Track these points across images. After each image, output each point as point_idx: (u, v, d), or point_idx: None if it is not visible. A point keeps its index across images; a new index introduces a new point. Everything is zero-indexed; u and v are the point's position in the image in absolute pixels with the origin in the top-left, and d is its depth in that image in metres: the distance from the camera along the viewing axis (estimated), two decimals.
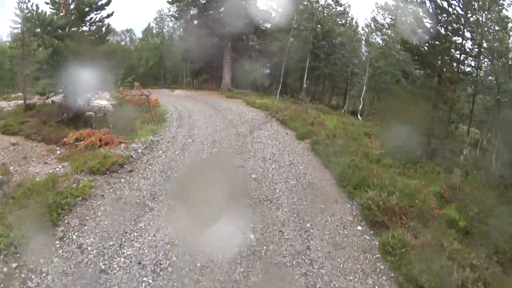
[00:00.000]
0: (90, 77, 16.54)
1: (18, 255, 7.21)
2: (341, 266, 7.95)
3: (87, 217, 8.83)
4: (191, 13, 38.63)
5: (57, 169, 11.84)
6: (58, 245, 7.78)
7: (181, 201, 9.90)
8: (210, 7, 36.85)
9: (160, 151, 13.81)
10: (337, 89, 47.13)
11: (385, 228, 9.04)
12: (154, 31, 55.52)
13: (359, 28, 42.22)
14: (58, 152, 14.31)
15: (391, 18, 37.31)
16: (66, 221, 8.45)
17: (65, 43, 14.76)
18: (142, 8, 76.75)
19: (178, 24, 47.72)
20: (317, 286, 7.31)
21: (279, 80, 38.98)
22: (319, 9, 39.96)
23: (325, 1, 40.01)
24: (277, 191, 11.18)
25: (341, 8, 41.90)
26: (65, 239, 7.99)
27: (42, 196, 8.99)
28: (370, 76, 34.03)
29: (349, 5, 42.55)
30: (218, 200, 9.09)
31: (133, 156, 13.09)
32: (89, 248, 7.81)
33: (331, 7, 40.93)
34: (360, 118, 31.16)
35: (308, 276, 7.54)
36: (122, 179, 11.13)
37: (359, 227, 9.50)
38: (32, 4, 18.05)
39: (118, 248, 7.90)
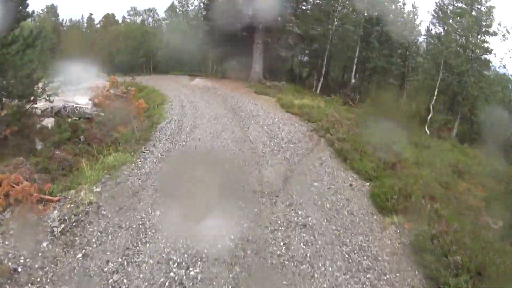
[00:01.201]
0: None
1: None
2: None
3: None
4: None
5: None
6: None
7: None
8: None
9: (80, 255, 6.67)
10: (385, 85, 40.11)
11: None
12: (177, 10, 49.91)
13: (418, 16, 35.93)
14: None
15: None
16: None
17: None
18: None
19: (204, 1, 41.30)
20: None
21: (320, 70, 34.05)
22: None
23: None
24: None
25: None
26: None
27: None
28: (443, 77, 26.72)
29: None
30: None
31: (19, 270, 6.23)
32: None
33: None
34: (428, 131, 23.98)
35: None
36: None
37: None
38: None
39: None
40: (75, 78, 25.55)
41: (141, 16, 55.44)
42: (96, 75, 34.75)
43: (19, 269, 6.07)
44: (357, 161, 11.28)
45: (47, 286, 5.79)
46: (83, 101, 17.18)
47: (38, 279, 5.93)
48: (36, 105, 11.93)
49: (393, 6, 35.68)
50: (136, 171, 9.81)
